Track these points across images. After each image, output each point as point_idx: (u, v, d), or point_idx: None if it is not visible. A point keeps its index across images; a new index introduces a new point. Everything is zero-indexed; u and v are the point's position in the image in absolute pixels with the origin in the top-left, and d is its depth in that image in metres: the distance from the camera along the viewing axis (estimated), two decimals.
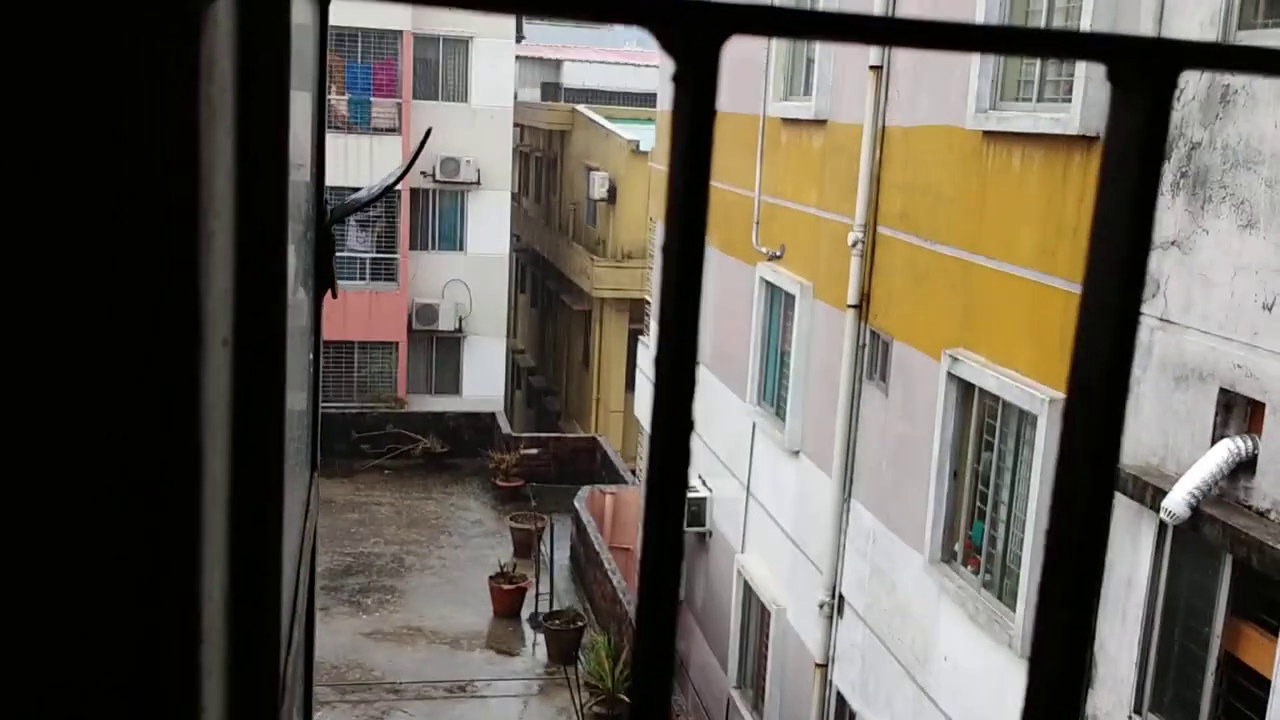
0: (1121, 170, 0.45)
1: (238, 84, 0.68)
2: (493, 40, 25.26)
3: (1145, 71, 0.45)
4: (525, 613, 17.08)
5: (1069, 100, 7.39)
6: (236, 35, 0.68)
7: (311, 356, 1.66)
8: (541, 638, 16.31)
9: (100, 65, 0.48)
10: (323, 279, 1.66)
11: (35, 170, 0.49)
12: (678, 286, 0.40)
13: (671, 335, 0.40)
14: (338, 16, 24.91)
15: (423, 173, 24.81)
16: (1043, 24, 7.89)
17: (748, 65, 12.93)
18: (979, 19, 8.31)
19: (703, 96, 0.40)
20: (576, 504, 18.67)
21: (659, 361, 0.40)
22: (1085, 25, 7.12)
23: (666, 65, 0.40)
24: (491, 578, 17.27)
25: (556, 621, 16.10)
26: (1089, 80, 7.07)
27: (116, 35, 0.48)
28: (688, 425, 0.41)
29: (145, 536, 0.53)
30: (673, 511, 0.42)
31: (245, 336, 0.73)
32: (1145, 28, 6.60)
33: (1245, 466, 5.89)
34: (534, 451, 22.27)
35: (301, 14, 1.42)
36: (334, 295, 1.71)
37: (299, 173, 1.48)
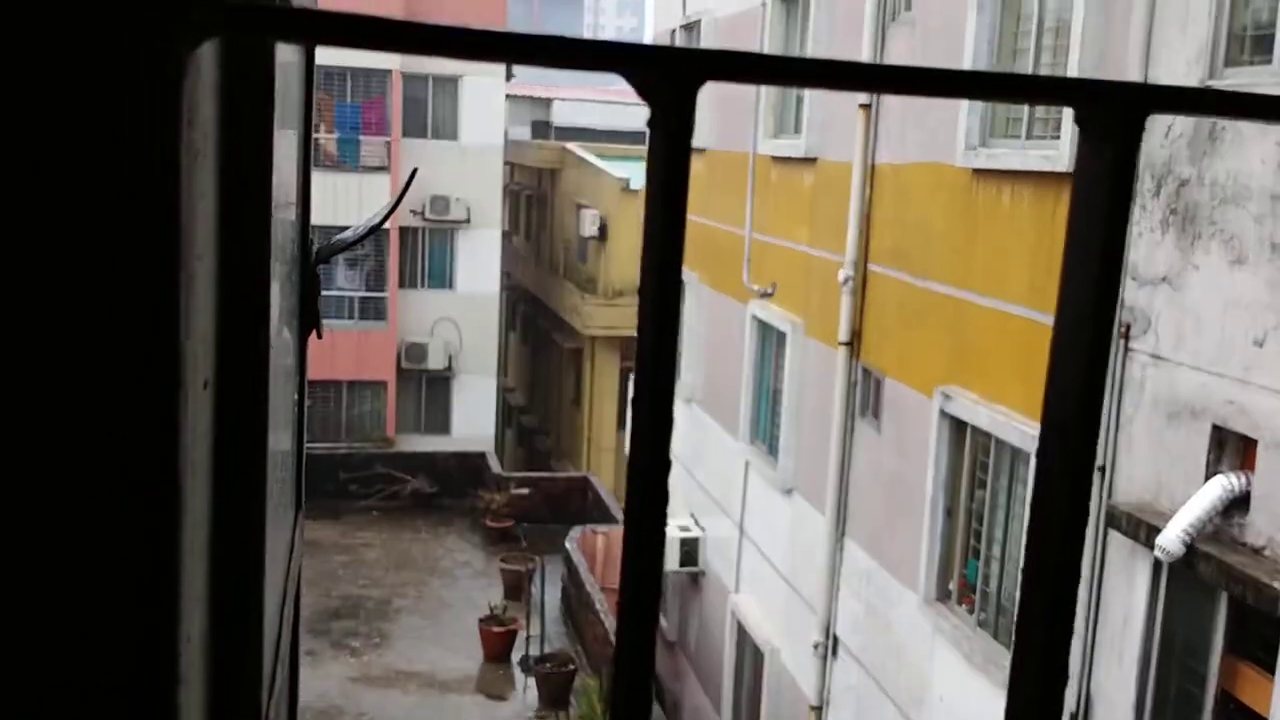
0: (1090, 213, 0.46)
1: (221, 126, 0.69)
2: (482, 79, 25.42)
3: (1113, 116, 0.45)
4: (516, 656, 16.91)
5: (1058, 137, 7.44)
6: (220, 79, 0.68)
7: (296, 397, 1.65)
8: (532, 681, 16.14)
9: (83, 111, 0.48)
10: (308, 319, 1.65)
11: (16, 214, 0.49)
12: (654, 331, 0.40)
13: (648, 374, 0.40)
14: (327, 56, 25.02)
15: (412, 211, 24.86)
16: (1030, 61, 7.96)
17: (737, 103, 13.01)
18: (967, 55, 8.38)
19: (678, 141, 0.40)
20: (568, 544, 18.56)
21: (637, 400, 0.41)
22: (1073, 61, 7.17)
23: (645, 111, 0.41)
24: (481, 620, 17.11)
25: (548, 665, 15.94)
26: None
27: (99, 82, 0.48)
28: (665, 464, 0.42)
29: (121, 576, 0.53)
30: (652, 545, 0.43)
31: (227, 378, 0.73)
32: (1132, 63, 6.65)
33: (1239, 503, 5.87)
34: (524, 491, 22.14)
35: (287, 51, 1.42)
36: (319, 336, 1.68)
37: (284, 212, 1.47)
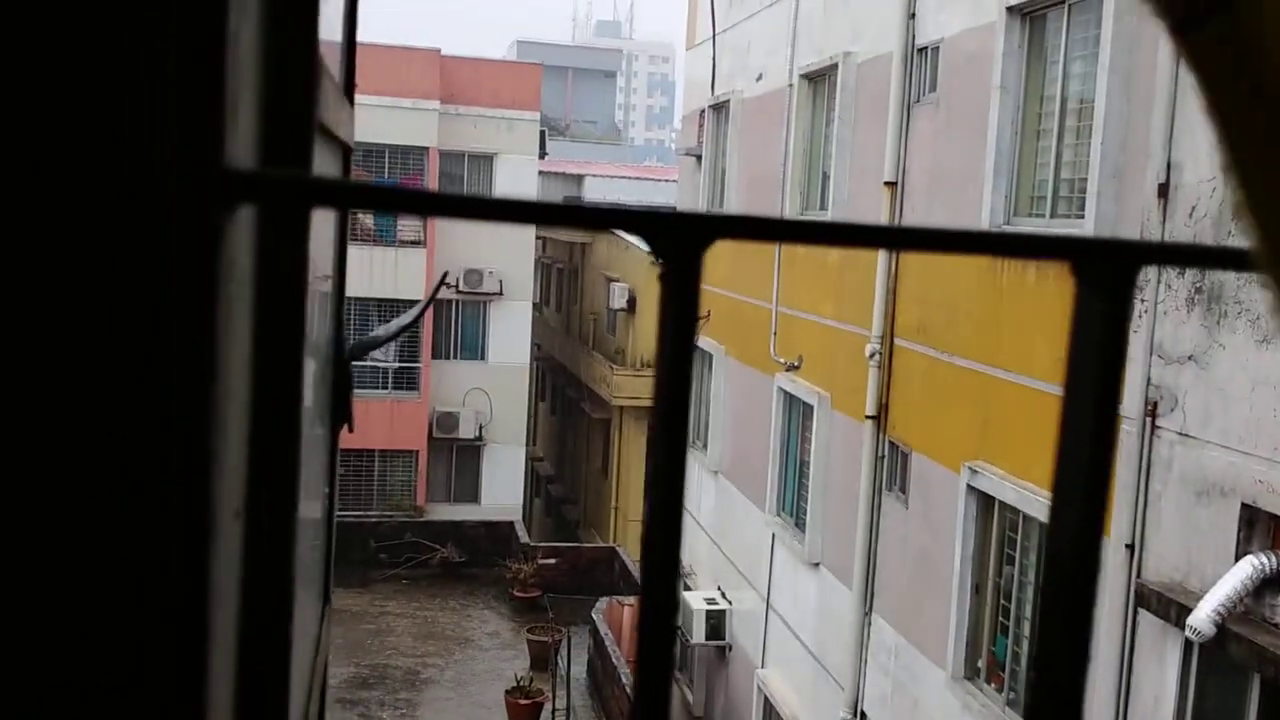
0: (1086, 360, 0.48)
1: (258, 274, 0.73)
2: (516, 156, 25.86)
3: (1106, 269, 0.48)
4: None
5: (1081, 215, 7.51)
6: (258, 233, 0.72)
7: (327, 490, 1.70)
8: None
9: (127, 273, 0.51)
10: (340, 414, 1.70)
11: (62, 362, 0.51)
12: (663, 474, 0.43)
13: (658, 516, 0.43)
14: (365, 133, 25.40)
15: (447, 284, 25.17)
16: (1053, 142, 8.06)
17: (765, 179, 13.19)
18: (991, 136, 8.50)
19: (688, 294, 0.44)
20: (594, 616, 18.44)
21: (645, 548, 0.44)
22: (1095, 144, 7.27)
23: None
24: (508, 692, 16.99)
25: None
26: (1101, 196, 7.19)
27: (142, 250, 0.51)
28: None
29: (149, 696, 0.54)
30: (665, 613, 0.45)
31: (257, 505, 0.76)
32: (1156, 145, 6.73)
33: (1270, 583, 5.81)
34: (552, 561, 22.08)
35: (326, 172, 1.47)
36: (350, 430, 1.75)
37: (322, 315, 1.53)
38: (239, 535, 0.71)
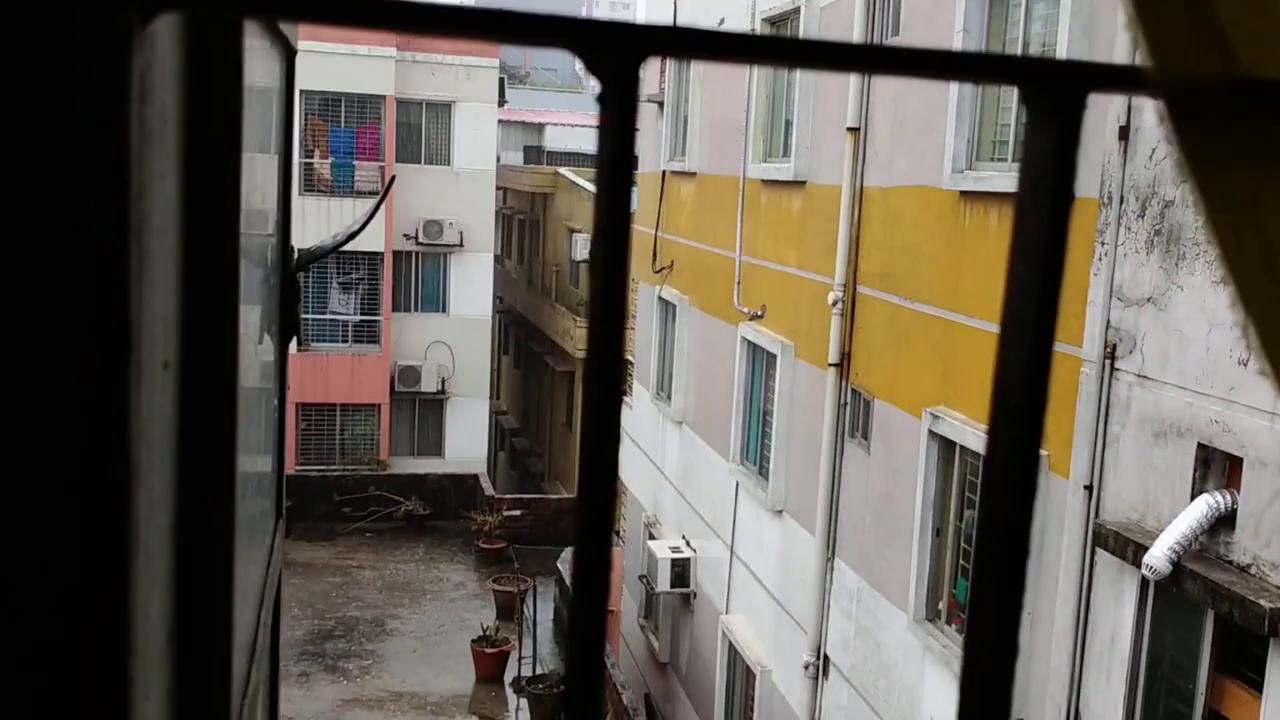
0: (1036, 191, 0.46)
1: (185, 111, 0.69)
2: (475, 104, 25.53)
3: (1055, 93, 0.46)
4: (509, 677, 16.86)
5: None
6: (184, 67, 0.68)
7: (276, 402, 1.66)
8: (525, 702, 16.08)
9: (16, 82, 0.47)
10: (289, 326, 1.66)
11: None
12: (603, 310, 0.41)
13: (598, 352, 0.41)
14: (322, 82, 24.89)
15: (405, 235, 24.92)
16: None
17: (728, 127, 13.09)
18: (952, 89, 8.46)
19: (625, 111, 0.41)
20: (560, 565, 18.52)
21: (587, 379, 0.42)
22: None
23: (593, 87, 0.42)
24: (474, 641, 17.07)
25: (540, 685, 15.89)
26: None
27: (43, 54, 0.47)
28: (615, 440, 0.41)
29: (67, 545, 0.52)
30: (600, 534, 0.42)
31: (192, 363, 0.73)
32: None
33: (1225, 521, 5.90)
34: (517, 513, 22.12)
35: (266, 74, 1.43)
36: (299, 343, 1.71)
37: (264, 222, 1.48)
38: (172, 389, 0.68)
